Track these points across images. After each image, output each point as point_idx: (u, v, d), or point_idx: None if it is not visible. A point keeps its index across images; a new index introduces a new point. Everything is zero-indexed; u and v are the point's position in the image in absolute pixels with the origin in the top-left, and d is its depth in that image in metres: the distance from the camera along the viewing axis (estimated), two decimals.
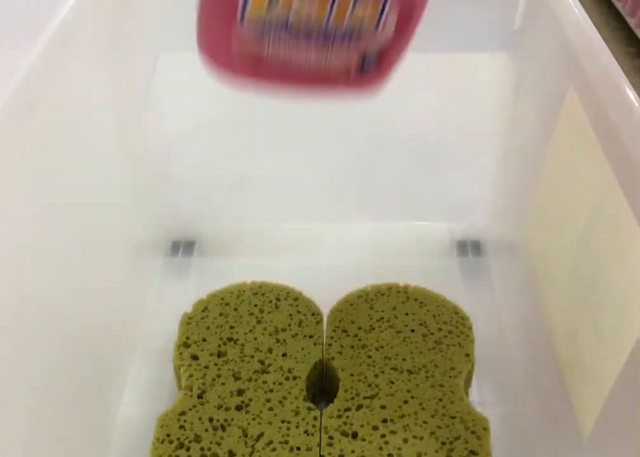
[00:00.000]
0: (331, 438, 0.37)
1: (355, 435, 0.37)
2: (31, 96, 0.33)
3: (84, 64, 0.39)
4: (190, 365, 0.40)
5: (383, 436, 0.37)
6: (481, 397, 0.39)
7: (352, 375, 0.40)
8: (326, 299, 0.45)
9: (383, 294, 0.45)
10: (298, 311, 0.44)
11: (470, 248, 0.55)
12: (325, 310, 0.44)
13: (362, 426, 0.37)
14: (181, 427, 0.37)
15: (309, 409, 0.38)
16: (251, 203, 0.56)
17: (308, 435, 0.37)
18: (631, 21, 0.96)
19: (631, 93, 0.31)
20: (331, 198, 0.56)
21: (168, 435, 0.37)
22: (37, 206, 0.33)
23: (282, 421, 0.37)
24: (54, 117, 0.35)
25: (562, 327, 0.38)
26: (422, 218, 0.55)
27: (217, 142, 0.54)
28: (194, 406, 0.38)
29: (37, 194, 0.33)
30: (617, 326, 0.31)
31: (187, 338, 0.42)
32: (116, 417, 0.43)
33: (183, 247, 0.55)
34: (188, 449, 0.36)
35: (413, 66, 0.51)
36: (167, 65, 0.50)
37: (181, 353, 0.41)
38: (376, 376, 0.40)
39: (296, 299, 0.45)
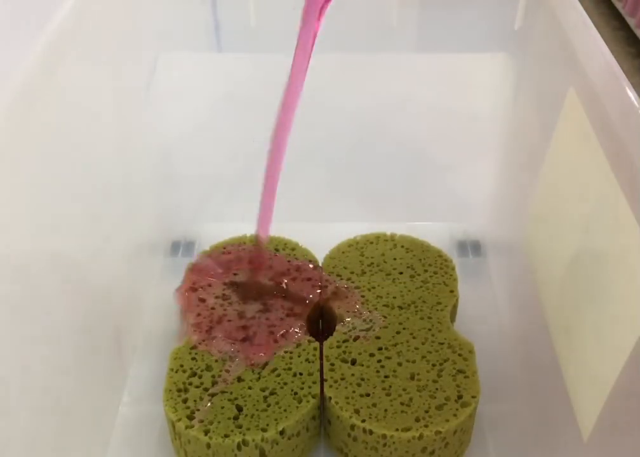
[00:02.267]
0: (332, 364, 0.40)
1: (353, 362, 0.40)
2: (31, 96, 0.33)
3: (84, 64, 0.39)
4: (197, 306, 0.43)
5: (379, 361, 0.40)
6: (480, 396, 0.40)
7: (347, 312, 0.43)
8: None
9: (372, 243, 0.48)
10: (296, 259, 0.47)
11: (470, 248, 0.55)
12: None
13: (359, 354, 0.41)
14: (193, 358, 0.40)
15: (309, 341, 0.41)
16: (251, 203, 0.56)
17: (309, 362, 0.40)
18: (631, 21, 0.96)
19: (631, 93, 0.31)
20: (331, 198, 0.56)
21: (181, 366, 0.40)
22: (36, 206, 0.33)
23: (285, 352, 0.40)
24: (54, 117, 0.35)
25: (562, 327, 0.38)
26: (422, 218, 0.55)
27: (217, 142, 0.54)
28: (203, 340, 0.41)
29: (37, 194, 0.33)
30: (617, 326, 0.31)
31: (193, 284, 0.45)
32: (116, 417, 0.43)
33: (183, 247, 0.55)
34: (200, 377, 0.39)
35: (413, 66, 0.51)
36: (167, 65, 0.50)
37: (188, 297, 0.44)
38: (369, 312, 0.43)
39: (293, 248, 0.48)
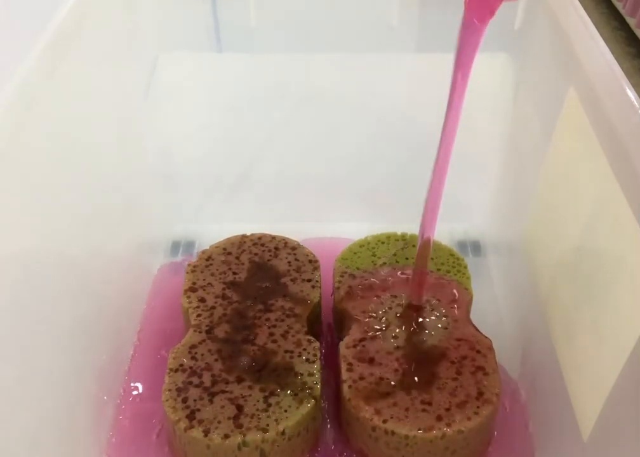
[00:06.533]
0: (349, 364, 0.40)
1: (371, 361, 0.40)
2: (31, 96, 0.33)
3: (84, 64, 0.39)
4: (197, 307, 0.43)
5: (397, 359, 0.40)
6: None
7: (363, 312, 0.43)
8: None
9: (383, 242, 0.48)
10: (297, 259, 0.46)
11: (470, 248, 0.55)
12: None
13: (377, 352, 0.40)
14: (193, 358, 0.40)
15: (309, 340, 0.41)
16: (251, 203, 0.56)
17: (309, 362, 0.40)
18: (631, 21, 0.96)
19: (631, 93, 0.31)
20: (331, 199, 0.56)
21: (181, 365, 0.39)
22: (36, 206, 0.33)
23: (285, 351, 0.40)
24: (54, 117, 0.35)
25: (562, 327, 0.38)
26: None
27: (217, 142, 0.54)
28: (203, 340, 0.41)
29: (37, 194, 0.33)
30: (617, 326, 0.31)
31: (193, 283, 0.45)
32: (116, 417, 0.43)
33: (183, 247, 0.55)
34: (200, 376, 0.39)
35: (413, 66, 0.51)
36: (167, 65, 0.50)
37: (188, 297, 0.44)
38: (385, 311, 0.43)
39: (294, 248, 0.47)
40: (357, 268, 0.46)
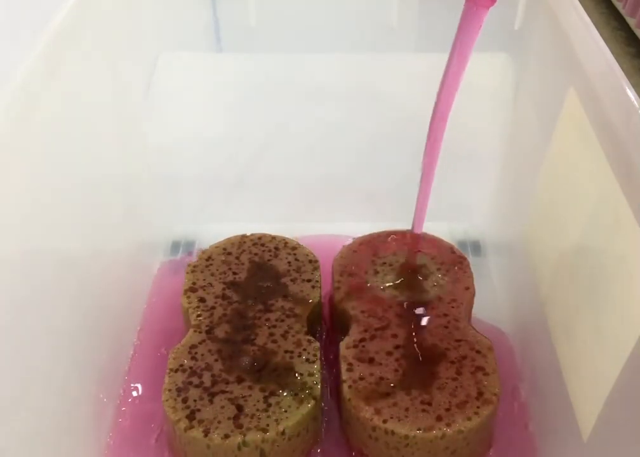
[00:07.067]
0: (349, 364, 0.40)
1: (371, 361, 0.40)
2: (31, 96, 0.33)
3: (84, 64, 0.39)
4: (197, 307, 0.43)
5: (397, 359, 0.40)
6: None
7: (362, 312, 0.43)
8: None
9: (383, 241, 0.48)
10: (297, 259, 0.46)
11: (470, 248, 0.55)
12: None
13: (377, 352, 0.40)
14: (193, 358, 0.40)
15: (309, 341, 0.41)
16: (251, 203, 0.56)
17: (309, 362, 0.40)
18: (631, 21, 0.96)
19: (631, 93, 0.31)
20: (331, 198, 0.56)
21: (181, 365, 0.39)
22: (36, 206, 0.33)
23: (285, 352, 0.40)
24: (54, 117, 0.35)
25: (562, 327, 0.38)
26: None
27: (217, 142, 0.54)
28: (203, 340, 0.41)
29: (37, 194, 0.33)
30: (617, 326, 0.31)
31: (193, 283, 0.45)
32: (116, 417, 0.43)
33: (183, 247, 0.55)
34: (200, 376, 0.39)
35: (412, 66, 0.51)
36: (167, 65, 0.51)
37: (188, 297, 0.44)
38: (384, 310, 0.43)
39: (294, 248, 0.47)
40: (357, 267, 0.45)
